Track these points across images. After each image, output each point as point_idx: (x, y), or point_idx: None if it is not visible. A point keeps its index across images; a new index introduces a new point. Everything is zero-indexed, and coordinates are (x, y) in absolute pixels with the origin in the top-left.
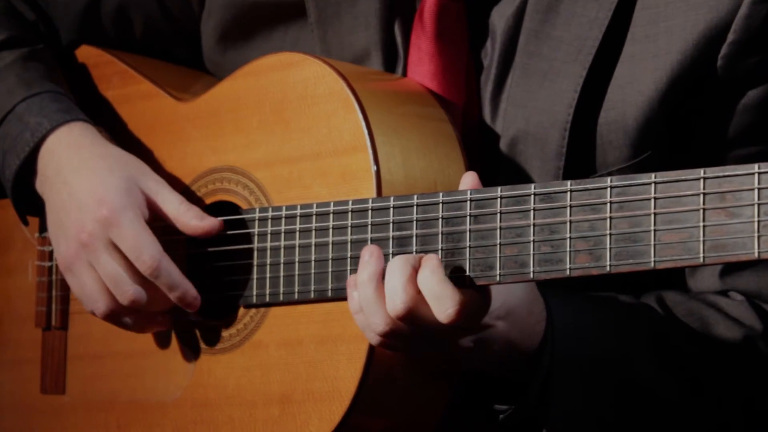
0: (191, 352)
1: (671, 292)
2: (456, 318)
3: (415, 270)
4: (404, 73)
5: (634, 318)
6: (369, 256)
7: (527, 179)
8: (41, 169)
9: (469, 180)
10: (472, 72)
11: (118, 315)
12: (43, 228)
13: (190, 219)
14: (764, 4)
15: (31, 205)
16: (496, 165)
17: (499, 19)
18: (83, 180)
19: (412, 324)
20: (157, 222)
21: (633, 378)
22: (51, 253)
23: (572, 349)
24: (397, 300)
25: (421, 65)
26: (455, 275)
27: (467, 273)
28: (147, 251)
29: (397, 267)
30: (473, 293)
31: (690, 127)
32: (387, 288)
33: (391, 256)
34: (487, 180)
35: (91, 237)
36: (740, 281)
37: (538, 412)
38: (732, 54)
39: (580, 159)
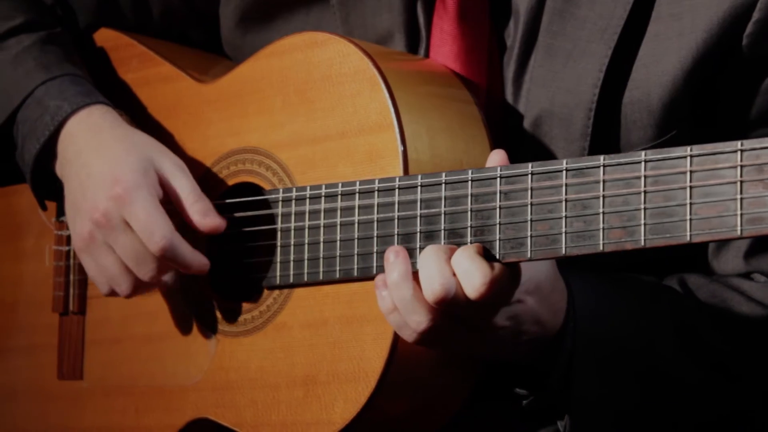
0: (212, 335)
1: (693, 275)
2: (485, 292)
3: (448, 256)
4: (427, 55)
5: (656, 301)
6: (395, 256)
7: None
8: (61, 152)
9: (496, 157)
10: (495, 52)
11: (141, 291)
12: (60, 213)
13: (194, 212)
14: None
15: (48, 190)
16: (520, 145)
17: None
18: (101, 161)
19: (451, 309)
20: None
21: (656, 361)
22: (68, 237)
23: (594, 331)
24: (435, 283)
25: (444, 46)
26: (486, 252)
27: (497, 250)
28: (158, 231)
29: (431, 253)
30: (503, 268)
31: (715, 106)
32: (423, 277)
33: (418, 234)
34: (511, 160)
35: (105, 216)
36: (764, 262)
37: (561, 396)
38: (757, 33)
39: (605, 139)
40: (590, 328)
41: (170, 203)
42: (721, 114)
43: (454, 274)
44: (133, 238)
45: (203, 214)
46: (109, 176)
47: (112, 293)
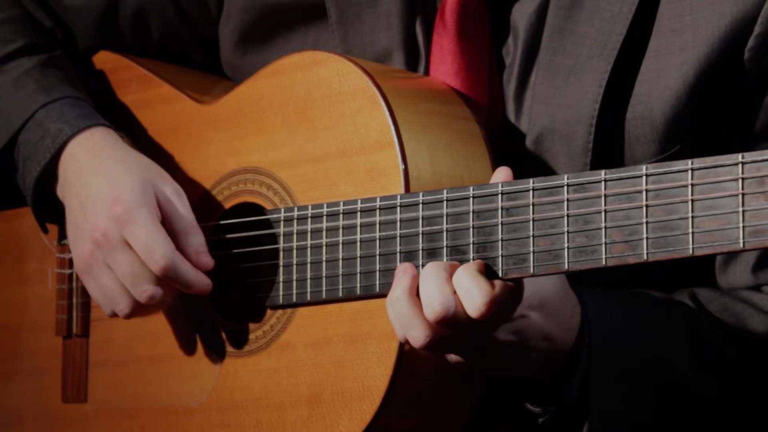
0: (216, 356)
1: (703, 288)
2: (486, 311)
3: (449, 274)
4: (426, 72)
5: (669, 315)
6: (402, 273)
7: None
8: (62, 174)
9: (501, 175)
10: (495, 70)
11: (141, 312)
12: (62, 236)
13: (187, 247)
14: None
15: (50, 212)
16: (522, 162)
17: (521, 16)
18: (101, 181)
19: (451, 328)
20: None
21: (671, 375)
22: (71, 260)
23: (610, 347)
24: (435, 303)
25: (444, 64)
26: (488, 269)
27: (500, 266)
28: (159, 250)
29: (432, 271)
30: (505, 285)
31: (718, 120)
32: (423, 296)
33: (421, 251)
34: (514, 177)
35: (105, 236)
36: None
37: (576, 412)
38: (759, 47)
39: (607, 155)
40: (606, 343)
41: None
42: (724, 128)
43: (455, 292)
44: (130, 257)
45: (196, 251)
46: (109, 196)
47: (114, 314)
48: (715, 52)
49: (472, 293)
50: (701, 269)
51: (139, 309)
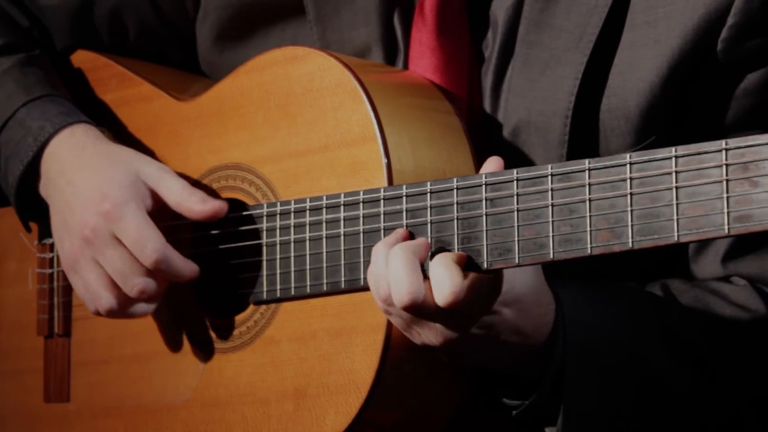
0: (200, 352)
1: (676, 280)
2: (453, 301)
3: (416, 256)
4: (405, 67)
5: (643, 310)
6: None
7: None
8: (45, 172)
9: (492, 165)
10: (475, 64)
11: (122, 308)
12: (42, 235)
13: (194, 203)
14: None
15: (32, 211)
16: (500, 154)
17: (500, 9)
18: (86, 177)
19: (420, 314)
20: (164, 215)
21: (645, 369)
22: (51, 260)
23: (585, 341)
24: (403, 291)
25: (423, 59)
26: (470, 261)
27: (485, 257)
28: (150, 244)
29: (399, 257)
30: (480, 278)
31: (692, 111)
32: (391, 281)
33: None
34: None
35: (94, 232)
36: (742, 266)
37: (552, 406)
38: (732, 37)
39: (583, 147)
40: (581, 338)
41: (160, 212)
42: (698, 119)
43: (427, 278)
44: (121, 253)
45: (204, 201)
46: (96, 192)
47: (97, 312)
48: (688, 44)
49: (443, 283)
50: (675, 259)
51: (122, 307)
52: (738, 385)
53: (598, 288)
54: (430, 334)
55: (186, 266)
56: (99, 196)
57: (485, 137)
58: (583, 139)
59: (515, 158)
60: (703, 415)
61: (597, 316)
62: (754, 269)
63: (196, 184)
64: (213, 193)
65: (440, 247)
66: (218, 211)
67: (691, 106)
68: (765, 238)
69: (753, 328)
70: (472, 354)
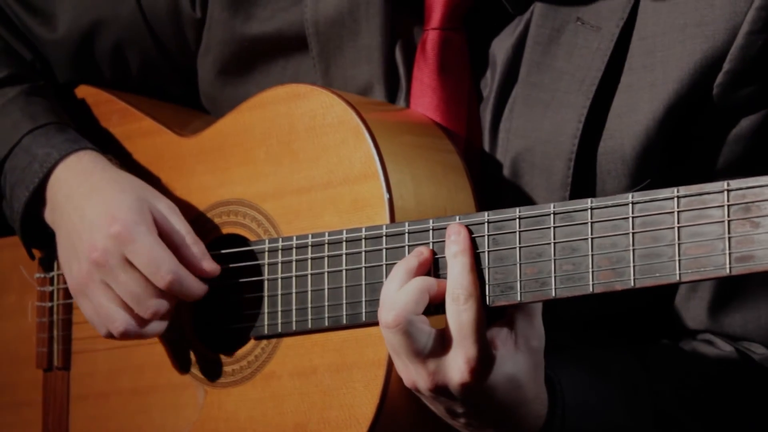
0: (200, 386)
1: (662, 350)
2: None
3: (429, 293)
4: (406, 105)
5: (635, 390)
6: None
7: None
8: (51, 198)
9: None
10: (474, 102)
11: (135, 330)
12: (43, 268)
13: (192, 256)
14: (761, 35)
15: (37, 239)
16: (499, 194)
17: (500, 50)
18: (94, 202)
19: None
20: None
21: None
22: (51, 293)
23: (582, 424)
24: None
25: (424, 97)
26: None
27: (487, 294)
28: (164, 266)
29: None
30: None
31: (687, 155)
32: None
33: None
34: (492, 209)
35: (104, 254)
36: (726, 322)
37: None
38: (727, 83)
39: (582, 189)
40: (578, 421)
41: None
42: (692, 163)
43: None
44: (133, 275)
45: (200, 258)
46: (105, 216)
47: (109, 334)
48: (684, 88)
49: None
50: (662, 300)
51: (135, 328)
52: None
53: (592, 366)
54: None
55: (198, 285)
56: (108, 219)
57: (485, 175)
58: (582, 181)
59: (516, 197)
60: None
61: (593, 398)
62: (738, 327)
63: (198, 218)
64: (215, 229)
65: None
66: (213, 272)
67: (685, 149)
68: (749, 290)
69: (741, 402)
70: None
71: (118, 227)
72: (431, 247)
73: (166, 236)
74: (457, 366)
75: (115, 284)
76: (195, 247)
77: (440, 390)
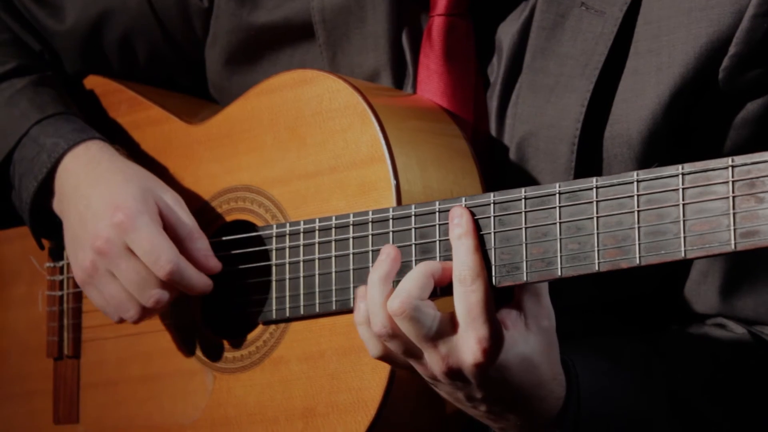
0: (209, 372)
1: (674, 336)
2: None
3: (433, 277)
4: (413, 91)
5: (649, 374)
6: (385, 256)
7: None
8: (59, 188)
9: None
10: (481, 88)
11: (148, 315)
12: (52, 257)
13: (195, 251)
14: (766, 18)
15: (46, 229)
16: (505, 178)
17: (505, 35)
18: (100, 191)
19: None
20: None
21: None
22: (61, 282)
23: (597, 408)
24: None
25: (430, 83)
26: None
27: (493, 275)
28: (164, 255)
29: (422, 271)
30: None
31: (693, 139)
32: (399, 286)
33: (414, 263)
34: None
35: (107, 243)
36: (739, 306)
37: None
38: (733, 66)
39: (588, 173)
40: (594, 405)
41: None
42: (698, 147)
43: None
44: (135, 264)
45: (205, 254)
46: (109, 204)
47: (122, 320)
48: (690, 72)
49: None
50: (673, 285)
51: (146, 313)
52: None
53: (607, 352)
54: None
55: (199, 279)
56: (112, 208)
57: (492, 160)
58: (588, 165)
59: (522, 182)
60: None
61: (608, 384)
62: (750, 311)
63: (206, 205)
64: (223, 216)
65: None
66: (213, 268)
67: (691, 133)
68: (761, 274)
69: (756, 382)
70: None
71: (121, 216)
72: (437, 229)
73: (170, 228)
74: (468, 347)
75: (118, 273)
76: (199, 241)
77: (455, 374)
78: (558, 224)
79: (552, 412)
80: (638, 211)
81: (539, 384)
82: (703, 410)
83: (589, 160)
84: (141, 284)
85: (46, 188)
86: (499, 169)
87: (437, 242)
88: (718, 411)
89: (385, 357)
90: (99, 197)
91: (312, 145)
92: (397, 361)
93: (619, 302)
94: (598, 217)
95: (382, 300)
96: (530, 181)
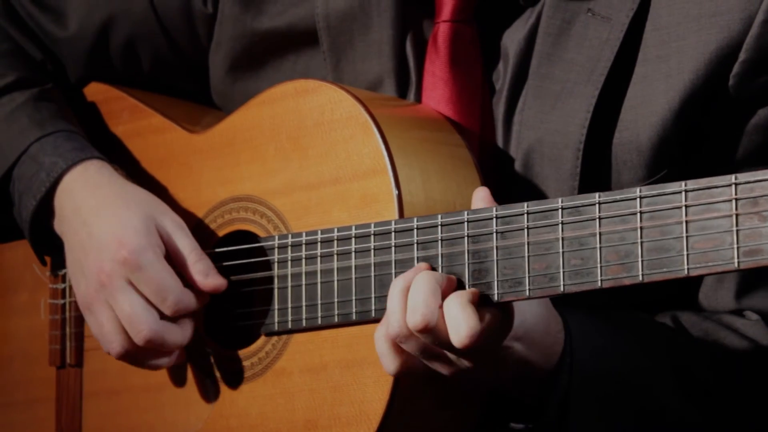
0: (211, 383)
1: (686, 312)
2: (468, 344)
3: (440, 286)
4: (417, 99)
5: (653, 339)
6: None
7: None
8: (59, 210)
9: (481, 195)
10: (487, 95)
11: (133, 355)
12: (55, 266)
13: (196, 273)
14: None
15: (47, 245)
16: (512, 185)
17: (511, 41)
18: (102, 220)
19: (429, 340)
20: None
21: (653, 400)
22: (63, 290)
23: (591, 369)
24: (417, 314)
25: (436, 90)
26: (482, 293)
27: (495, 290)
28: (171, 294)
29: (423, 282)
30: (494, 317)
31: (703, 145)
32: (410, 301)
33: None
34: (503, 201)
35: (110, 277)
36: (755, 300)
37: (555, 430)
38: (743, 73)
39: (595, 179)
40: (587, 366)
41: (171, 260)
42: (709, 153)
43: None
44: (131, 298)
45: (205, 275)
46: (112, 238)
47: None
48: (700, 79)
49: (458, 323)
50: (685, 293)
51: (130, 352)
52: (746, 419)
53: (608, 318)
54: (434, 364)
55: (202, 301)
56: (116, 243)
57: (498, 168)
58: (596, 171)
59: (527, 190)
60: None
61: (604, 345)
62: (766, 306)
63: (208, 215)
64: (224, 226)
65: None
66: (216, 288)
67: (702, 140)
68: None
69: (764, 363)
70: (477, 384)
71: (125, 253)
72: (439, 244)
73: (172, 254)
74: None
75: (114, 305)
76: (200, 263)
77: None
78: (560, 239)
79: (554, 348)
80: (641, 228)
81: (541, 321)
82: (707, 378)
83: (595, 166)
84: (133, 319)
85: (46, 207)
86: (505, 174)
87: (439, 256)
88: (722, 382)
89: (403, 368)
90: (101, 227)
91: (314, 156)
92: (418, 369)
93: (632, 306)
94: (601, 233)
95: (401, 305)
96: (535, 188)
